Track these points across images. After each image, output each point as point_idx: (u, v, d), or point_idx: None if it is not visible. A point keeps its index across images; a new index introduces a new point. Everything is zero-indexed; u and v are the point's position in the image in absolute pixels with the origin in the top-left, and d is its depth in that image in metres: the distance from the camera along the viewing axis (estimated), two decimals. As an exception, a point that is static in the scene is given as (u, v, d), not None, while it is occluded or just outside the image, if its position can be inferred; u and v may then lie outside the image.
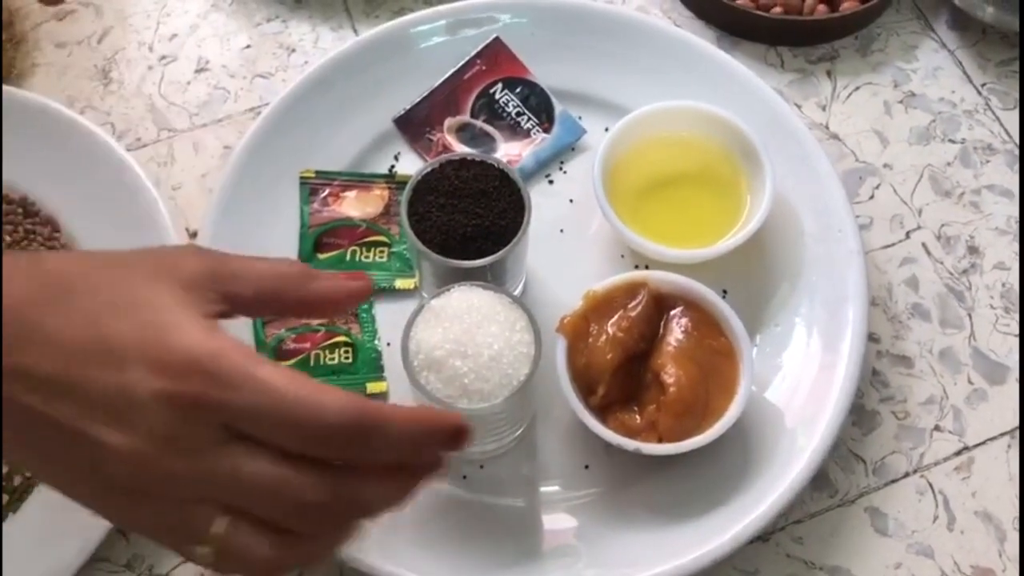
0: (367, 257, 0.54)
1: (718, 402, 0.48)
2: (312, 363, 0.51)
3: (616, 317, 0.49)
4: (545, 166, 0.57)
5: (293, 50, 0.62)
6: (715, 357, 0.49)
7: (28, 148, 0.55)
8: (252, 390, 0.34)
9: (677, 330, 0.49)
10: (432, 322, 0.45)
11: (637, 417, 0.48)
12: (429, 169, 0.48)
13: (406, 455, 0.36)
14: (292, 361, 0.51)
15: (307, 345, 0.52)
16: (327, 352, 0.52)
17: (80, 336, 0.35)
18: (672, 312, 0.50)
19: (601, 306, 0.49)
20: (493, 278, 0.49)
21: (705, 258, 0.52)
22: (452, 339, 0.44)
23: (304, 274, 0.40)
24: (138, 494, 0.35)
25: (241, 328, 0.51)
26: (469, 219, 0.47)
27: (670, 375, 0.47)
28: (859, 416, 0.52)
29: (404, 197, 0.48)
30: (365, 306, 0.53)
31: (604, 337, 0.48)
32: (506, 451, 0.50)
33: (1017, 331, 0.54)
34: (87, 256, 0.38)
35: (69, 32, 0.62)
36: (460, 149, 0.57)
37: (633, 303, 0.49)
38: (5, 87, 0.56)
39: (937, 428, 0.52)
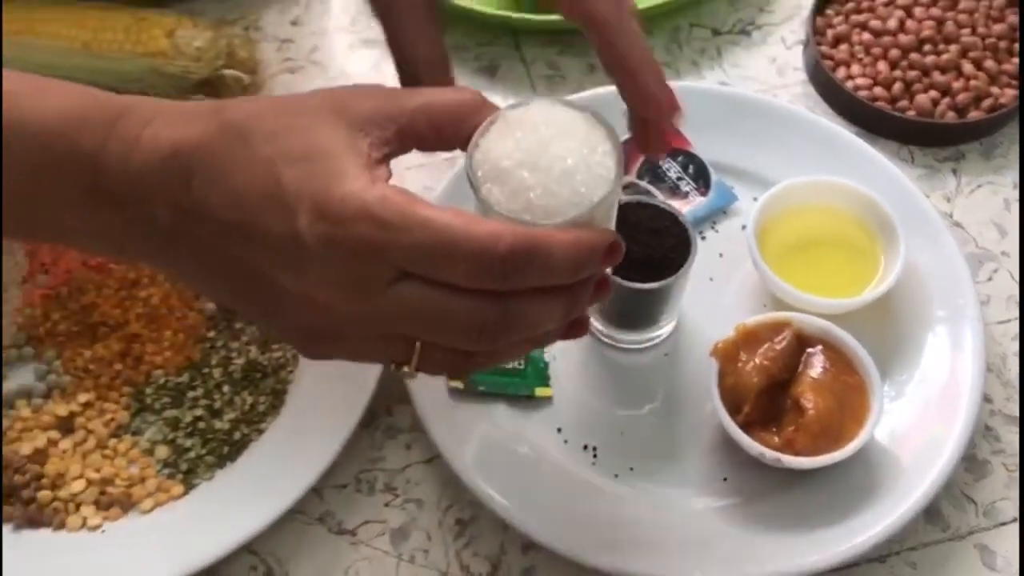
0: (541, 284, 0.63)
1: (850, 429, 0.54)
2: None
3: (763, 348, 0.56)
4: (699, 224, 0.65)
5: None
6: (848, 391, 0.55)
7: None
8: (418, 229, 0.35)
9: (816, 365, 0.56)
10: (504, 132, 0.41)
11: (775, 437, 0.55)
12: (613, 206, 0.57)
13: (567, 276, 0.38)
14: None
15: (488, 350, 0.60)
16: (504, 358, 0.60)
17: (256, 185, 0.37)
18: (811, 350, 0.57)
19: (750, 338, 0.57)
20: (660, 304, 0.57)
21: (841, 309, 0.59)
22: (523, 149, 0.40)
23: (479, 103, 0.41)
24: (323, 333, 0.38)
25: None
26: (643, 249, 0.56)
27: (808, 400, 0.54)
28: (971, 464, 0.58)
29: (589, 227, 0.57)
30: (537, 324, 0.61)
31: (751, 364, 0.55)
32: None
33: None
34: (264, 102, 0.40)
35: (298, 83, 0.74)
36: (626, 203, 0.65)
37: (778, 338, 0.56)
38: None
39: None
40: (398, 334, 0.38)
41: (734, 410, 0.55)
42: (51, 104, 0.39)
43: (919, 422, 0.57)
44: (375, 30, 0.76)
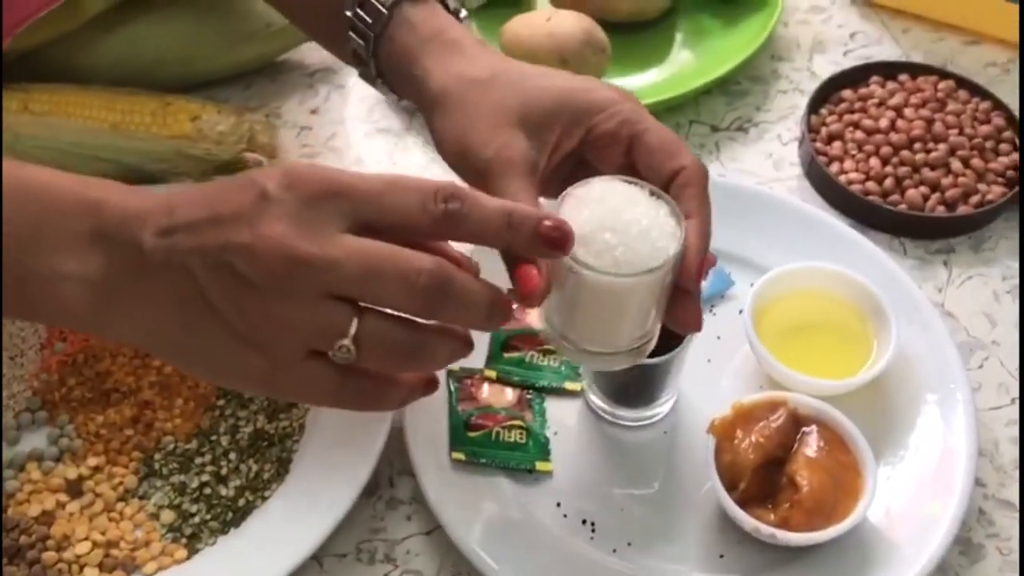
0: (543, 361, 0.65)
1: (844, 507, 0.55)
2: (493, 437, 0.61)
3: (759, 426, 0.57)
4: (698, 308, 0.68)
5: (493, 199, 0.75)
6: (842, 469, 0.56)
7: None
8: (362, 178, 0.41)
9: (811, 443, 0.57)
10: (577, 206, 0.46)
11: (771, 514, 0.55)
12: (614, 285, 0.59)
13: (493, 230, 0.42)
14: (478, 433, 0.61)
15: (490, 423, 0.61)
16: (506, 431, 0.61)
17: (222, 185, 0.43)
18: (806, 429, 0.58)
19: (746, 416, 0.58)
20: (658, 380, 0.59)
21: (835, 391, 0.61)
22: (599, 217, 0.45)
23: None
24: (276, 298, 0.40)
25: (439, 402, 0.62)
26: (644, 326, 0.58)
27: (803, 478, 0.55)
28: (966, 547, 0.58)
29: (591, 305, 0.59)
30: (538, 400, 0.63)
31: (748, 441, 0.57)
32: (636, 358, 0.51)
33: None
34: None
35: (315, 168, 0.77)
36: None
37: (774, 416, 0.58)
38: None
39: (1034, 564, 0.58)
40: (339, 297, 0.41)
41: (730, 486, 0.56)
42: (59, 174, 0.45)
43: (913, 502, 0.58)
44: (391, 119, 0.81)
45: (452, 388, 0.63)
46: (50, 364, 0.64)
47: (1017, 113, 0.77)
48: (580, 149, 0.51)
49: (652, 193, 0.47)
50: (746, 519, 0.55)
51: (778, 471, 0.57)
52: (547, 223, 0.43)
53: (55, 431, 0.61)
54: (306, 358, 0.43)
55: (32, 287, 0.44)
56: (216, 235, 0.41)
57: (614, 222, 0.45)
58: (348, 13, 0.56)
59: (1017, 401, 0.65)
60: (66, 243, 0.43)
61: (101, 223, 0.43)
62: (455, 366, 0.63)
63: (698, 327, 0.50)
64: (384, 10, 0.55)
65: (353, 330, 0.41)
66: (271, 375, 0.43)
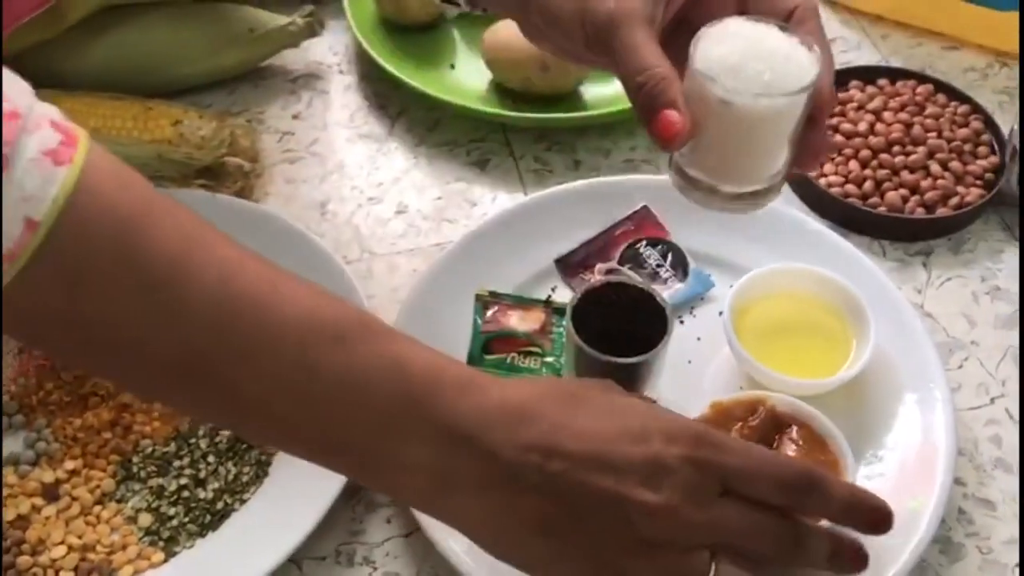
0: (524, 363, 0.65)
1: None
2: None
3: (738, 425, 0.57)
4: (678, 309, 0.68)
5: (475, 204, 0.76)
6: (823, 469, 0.56)
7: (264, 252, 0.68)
8: (740, 453, 0.45)
9: (790, 444, 0.57)
10: (714, 42, 0.48)
11: None
12: (594, 286, 0.60)
13: (839, 514, 0.47)
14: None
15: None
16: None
17: (602, 426, 0.45)
18: (786, 429, 0.58)
19: (725, 415, 0.58)
20: (637, 380, 0.59)
21: (814, 390, 0.61)
22: (740, 49, 0.48)
23: (807, 487, 0.47)
24: (656, 547, 0.44)
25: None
26: (623, 325, 0.58)
27: None
28: (946, 546, 0.58)
29: (570, 304, 0.59)
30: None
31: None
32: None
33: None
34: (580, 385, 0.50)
35: (297, 172, 0.77)
36: (608, 289, 0.68)
37: (753, 416, 0.58)
38: (255, 205, 0.71)
39: (1020, 565, 0.58)
40: (708, 545, 0.45)
41: None
42: (422, 358, 0.45)
43: (893, 500, 0.56)
44: (372, 125, 0.81)
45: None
46: (28, 368, 0.64)
47: (996, 116, 0.77)
48: (690, 6, 0.52)
49: (780, 27, 0.49)
50: None
51: None
52: (883, 511, 0.47)
53: (32, 435, 0.61)
54: None
55: (381, 472, 0.45)
56: (613, 484, 0.43)
57: (757, 50, 0.47)
58: None
59: (996, 401, 0.65)
60: (425, 435, 0.44)
61: (452, 423, 0.44)
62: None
63: (826, 154, 0.52)
64: None
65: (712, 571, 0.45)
66: None
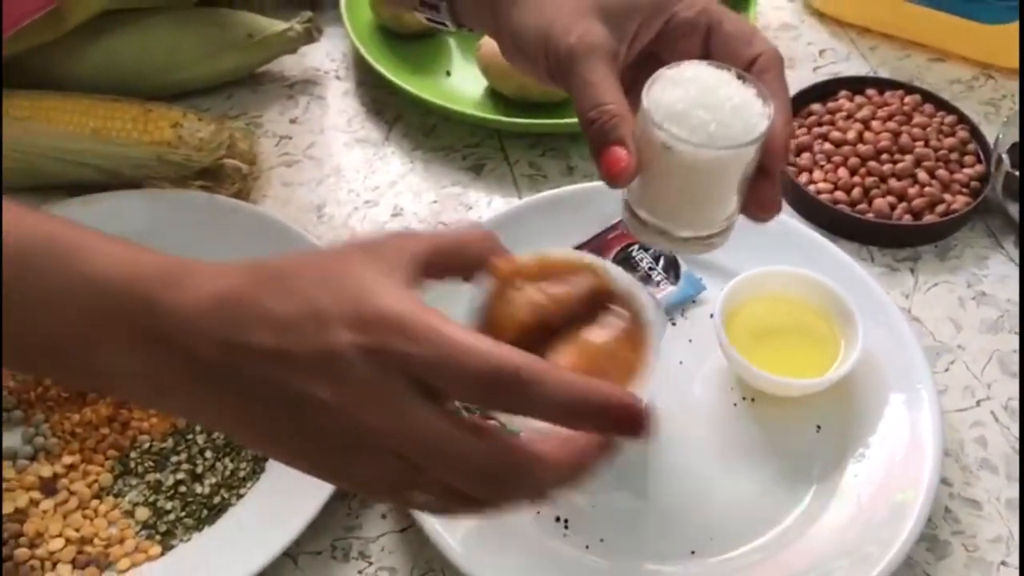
0: (518, 363, 0.65)
1: None
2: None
3: (550, 284, 0.46)
4: (669, 312, 0.69)
5: (470, 207, 0.77)
6: (616, 366, 0.45)
7: (261, 252, 0.69)
8: (431, 342, 0.37)
9: (597, 329, 0.46)
10: (668, 86, 0.48)
11: None
12: (587, 285, 0.61)
13: (561, 416, 0.39)
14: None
15: (465, 423, 0.62)
16: (480, 431, 0.62)
17: (292, 310, 0.39)
18: (606, 312, 0.47)
19: (544, 270, 0.47)
20: (629, 378, 0.60)
21: (803, 390, 0.62)
22: (692, 95, 0.47)
23: (486, 237, 0.44)
24: (348, 449, 0.39)
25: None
26: (616, 325, 0.59)
27: (558, 355, 0.45)
28: (932, 544, 0.59)
29: (564, 304, 0.60)
30: (513, 401, 0.64)
31: (527, 296, 0.46)
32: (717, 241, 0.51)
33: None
34: (296, 255, 0.43)
35: (294, 176, 0.78)
36: (601, 291, 0.69)
37: (574, 280, 0.47)
38: (252, 207, 0.72)
39: (1004, 563, 0.59)
40: (407, 458, 0.39)
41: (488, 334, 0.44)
42: (113, 258, 0.42)
43: (880, 498, 0.59)
44: (369, 130, 0.82)
45: (427, 388, 0.63)
46: (26, 364, 0.64)
47: (982, 127, 0.79)
48: (656, 43, 0.52)
49: (739, 76, 0.49)
50: None
51: (544, 343, 0.45)
52: (619, 407, 0.39)
53: (30, 430, 0.61)
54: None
55: (87, 380, 0.44)
56: (290, 378, 0.39)
57: (707, 99, 0.47)
58: None
59: (982, 403, 0.66)
60: (124, 344, 0.41)
61: (154, 326, 0.41)
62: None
63: (778, 208, 0.51)
64: None
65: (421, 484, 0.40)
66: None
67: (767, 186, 0.50)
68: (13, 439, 0.61)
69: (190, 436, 0.61)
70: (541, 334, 0.45)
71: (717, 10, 0.52)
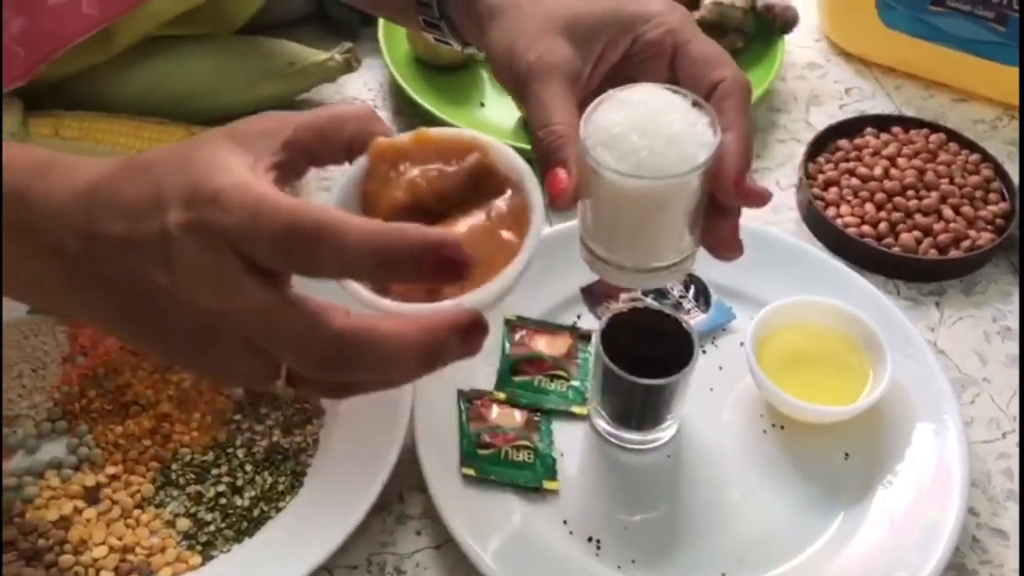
0: (551, 386, 0.67)
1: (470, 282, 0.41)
2: (502, 456, 0.62)
3: (432, 166, 0.44)
4: (700, 339, 0.69)
5: (503, 233, 0.78)
6: (496, 250, 0.42)
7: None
8: (241, 207, 0.37)
9: (476, 210, 0.43)
10: (613, 107, 0.45)
11: None
12: (622, 310, 0.62)
13: (371, 268, 0.37)
14: (488, 451, 0.62)
15: (499, 442, 0.63)
16: (515, 451, 0.63)
17: (138, 195, 0.39)
18: (493, 194, 0.44)
19: (427, 150, 0.44)
20: (664, 403, 0.61)
21: (835, 417, 0.63)
22: (633, 119, 0.44)
23: (364, 111, 0.42)
24: (194, 336, 0.39)
25: (450, 420, 0.64)
26: (651, 348, 0.60)
27: None
28: (960, 573, 0.60)
29: (599, 327, 0.61)
30: (546, 422, 0.65)
31: (405, 178, 0.43)
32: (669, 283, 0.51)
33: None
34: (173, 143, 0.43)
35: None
36: (632, 317, 0.70)
37: (458, 161, 0.44)
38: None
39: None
40: (255, 344, 0.39)
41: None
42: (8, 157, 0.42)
43: (908, 525, 0.60)
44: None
45: (462, 407, 0.65)
46: (71, 377, 0.66)
47: (1005, 165, 0.80)
48: (625, 63, 0.51)
49: (695, 104, 0.46)
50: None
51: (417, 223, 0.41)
52: (432, 248, 0.37)
53: (74, 441, 0.63)
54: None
55: (14, 291, 0.43)
56: (136, 265, 0.39)
57: (645, 125, 0.44)
58: None
59: (1008, 436, 0.67)
60: (9, 242, 0.41)
61: (24, 218, 0.41)
62: (465, 387, 0.66)
63: (735, 250, 0.49)
64: None
65: (283, 377, 0.40)
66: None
67: (722, 223, 0.48)
68: (58, 449, 0.63)
69: (230, 450, 0.62)
70: (415, 215, 0.43)
71: (685, 31, 0.51)
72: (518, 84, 0.50)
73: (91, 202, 0.40)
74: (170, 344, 0.41)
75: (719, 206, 0.47)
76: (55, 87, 0.78)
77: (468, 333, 0.39)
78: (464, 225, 0.42)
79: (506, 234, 0.42)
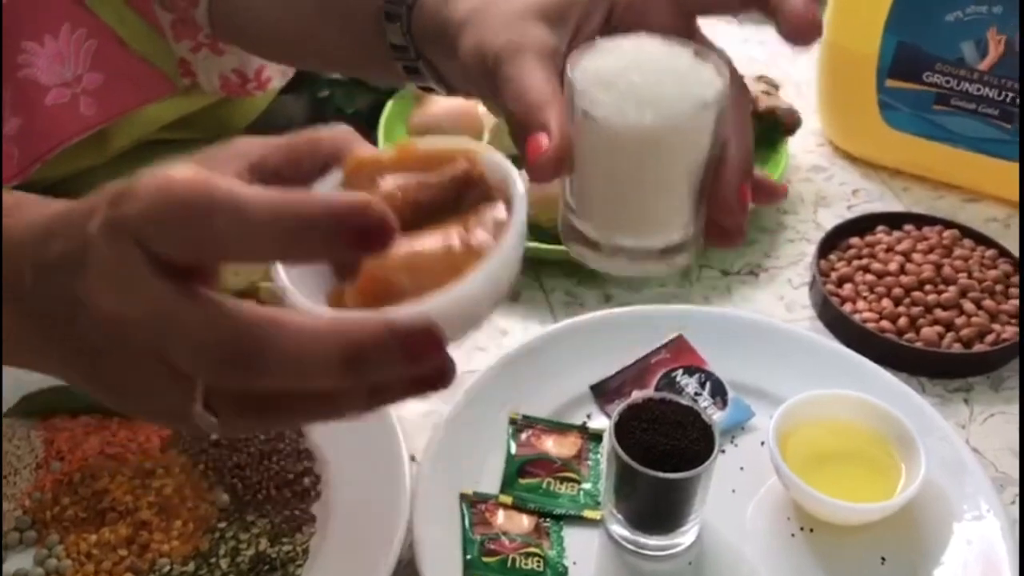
0: (560, 488, 0.62)
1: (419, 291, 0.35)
2: (509, 564, 0.57)
3: (412, 178, 0.39)
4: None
5: (506, 333, 0.75)
6: (463, 261, 0.36)
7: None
8: (146, 194, 0.33)
9: (457, 225, 0.38)
10: (605, 52, 0.41)
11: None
12: (637, 401, 0.58)
13: (274, 244, 0.32)
14: (493, 559, 0.57)
15: (506, 550, 0.58)
16: (523, 558, 0.58)
17: (83, 210, 0.36)
18: (477, 207, 0.38)
19: (408, 163, 0.39)
20: (685, 498, 0.56)
21: (871, 515, 0.58)
22: (628, 61, 0.39)
23: (343, 134, 0.38)
24: (111, 356, 0.35)
25: (452, 526, 0.59)
26: (668, 440, 0.56)
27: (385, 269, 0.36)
28: None
29: (612, 419, 0.57)
30: (556, 527, 0.60)
31: (381, 190, 0.38)
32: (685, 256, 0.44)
33: None
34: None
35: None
36: (645, 416, 0.66)
37: (440, 171, 0.39)
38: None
39: None
40: (169, 362, 0.34)
41: None
42: None
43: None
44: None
45: (465, 512, 0.60)
46: (44, 483, 0.61)
47: None
48: (612, 31, 0.46)
49: (697, 53, 0.41)
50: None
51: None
52: (340, 211, 0.32)
53: (43, 552, 0.58)
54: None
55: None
56: (65, 277, 0.36)
57: (644, 64, 0.39)
58: (381, 1, 0.54)
59: (1055, 537, 0.62)
60: None
61: None
62: (468, 490, 0.61)
63: (739, 233, 0.43)
64: None
65: (199, 399, 0.35)
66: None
67: (723, 185, 0.42)
68: (25, 561, 0.57)
69: (213, 560, 0.57)
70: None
71: None
72: (489, 76, 0.45)
73: (47, 230, 0.37)
74: (94, 373, 0.37)
75: (726, 166, 0.42)
76: (49, 189, 0.76)
77: (410, 339, 0.32)
78: (435, 236, 0.37)
79: (482, 239, 0.37)
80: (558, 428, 0.66)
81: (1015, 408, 0.70)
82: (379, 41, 0.56)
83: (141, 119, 0.77)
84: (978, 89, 0.83)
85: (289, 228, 0.32)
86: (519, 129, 0.42)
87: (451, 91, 0.57)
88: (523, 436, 0.65)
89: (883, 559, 0.59)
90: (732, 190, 0.42)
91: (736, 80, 0.44)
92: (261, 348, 0.33)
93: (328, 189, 0.38)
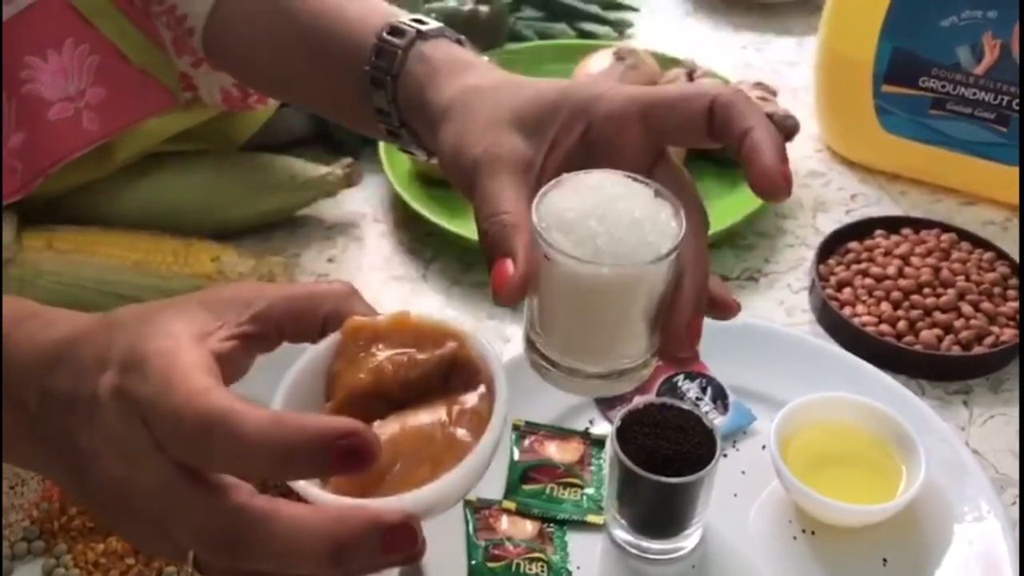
0: (563, 494, 0.63)
1: (400, 482, 0.38)
2: (514, 569, 0.58)
3: (404, 351, 0.41)
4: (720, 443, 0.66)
5: (509, 340, 0.76)
6: (445, 447, 0.39)
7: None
8: (159, 381, 0.35)
9: (441, 408, 0.40)
10: (568, 190, 0.42)
11: None
12: (639, 406, 0.59)
13: (267, 465, 0.34)
14: (498, 564, 0.58)
15: (510, 554, 0.58)
16: (527, 563, 0.58)
17: (90, 354, 0.38)
18: (462, 389, 0.41)
19: (403, 335, 0.42)
20: (688, 504, 0.57)
21: (872, 516, 0.59)
22: (590, 203, 0.41)
23: (344, 290, 0.41)
24: (112, 503, 0.37)
25: (456, 532, 0.59)
26: (670, 445, 0.56)
27: (382, 432, 0.39)
28: None
29: (614, 425, 0.58)
30: (559, 532, 0.61)
31: (373, 360, 0.41)
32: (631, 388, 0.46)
33: None
34: (153, 303, 0.41)
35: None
36: (647, 421, 0.66)
37: (432, 350, 0.41)
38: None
39: None
40: (157, 520, 0.37)
41: (326, 396, 0.42)
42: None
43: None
44: (407, 267, 0.82)
45: (469, 518, 0.60)
46: (51, 493, 0.61)
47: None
48: (587, 147, 0.47)
49: (657, 193, 0.42)
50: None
51: (378, 412, 0.41)
52: (344, 455, 0.34)
53: (51, 562, 0.58)
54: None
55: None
56: (74, 425, 0.38)
57: (604, 210, 0.41)
58: (367, 67, 0.55)
59: (1056, 537, 0.62)
60: None
61: (3, 371, 0.40)
62: (472, 496, 0.61)
63: (692, 359, 0.45)
64: (400, 51, 0.54)
65: (190, 563, 0.37)
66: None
67: (675, 316, 0.43)
68: (33, 571, 0.58)
69: (219, 568, 0.58)
70: (374, 400, 0.41)
71: (647, 92, 0.47)
72: (466, 181, 0.47)
73: (54, 359, 0.39)
74: (97, 510, 0.39)
75: (678, 299, 0.43)
76: (52, 202, 0.77)
77: (391, 534, 0.35)
78: (419, 418, 0.40)
79: (461, 433, 0.39)
80: (561, 434, 0.66)
81: (1015, 410, 0.71)
82: (365, 102, 0.57)
83: (144, 132, 0.77)
84: (974, 93, 0.84)
85: (280, 452, 0.34)
86: (488, 248, 0.44)
87: (431, 157, 0.57)
88: (526, 442, 0.65)
89: (885, 560, 0.59)
90: (683, 325, 0.44)
91: (695, 209, 0.44)
92: (257, 540, 0.35)
93: (323, 349, 0.41)
